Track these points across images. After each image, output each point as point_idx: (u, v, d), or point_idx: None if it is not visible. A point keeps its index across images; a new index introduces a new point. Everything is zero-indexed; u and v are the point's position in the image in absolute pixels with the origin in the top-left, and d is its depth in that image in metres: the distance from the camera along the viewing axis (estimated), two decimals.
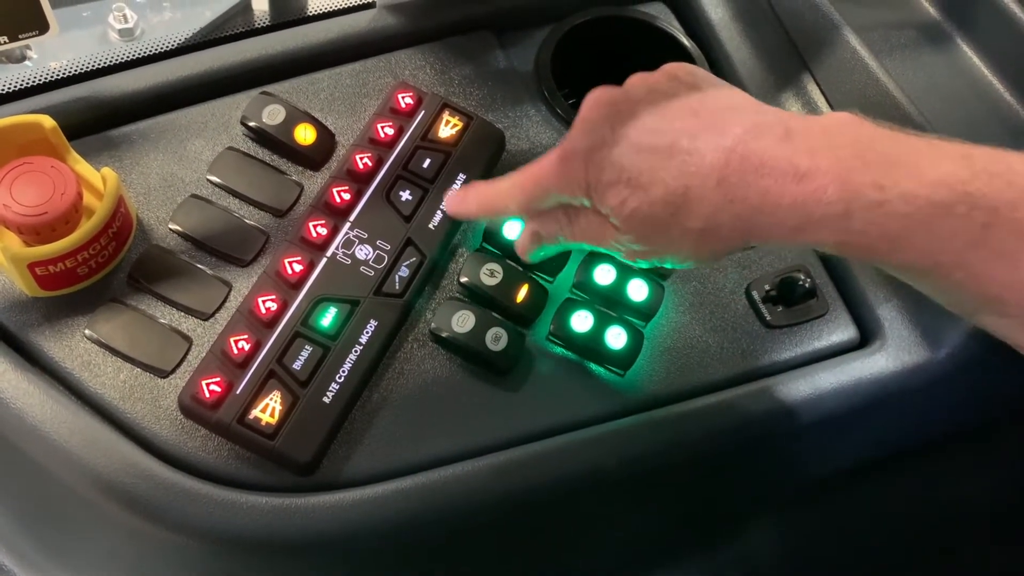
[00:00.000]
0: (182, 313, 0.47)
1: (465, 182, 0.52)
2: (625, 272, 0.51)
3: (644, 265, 0.43)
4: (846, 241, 0.34)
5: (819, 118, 0.36)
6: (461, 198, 0.48)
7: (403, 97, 0.53)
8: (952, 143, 0.34)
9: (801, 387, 0.50)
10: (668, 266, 0.43)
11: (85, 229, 0.44)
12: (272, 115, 0.52)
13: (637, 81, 0.41)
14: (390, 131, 0.52)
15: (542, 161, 0.42)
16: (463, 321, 0.48)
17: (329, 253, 0.48)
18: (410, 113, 0.53)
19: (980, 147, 0.33)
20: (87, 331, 0.46)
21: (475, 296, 0.49)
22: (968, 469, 0.68)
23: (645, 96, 0.39)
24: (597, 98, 0.40)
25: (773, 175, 0.34)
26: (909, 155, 0.33)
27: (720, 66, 0.62)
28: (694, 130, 0.36)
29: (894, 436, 0.59)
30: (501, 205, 0.45)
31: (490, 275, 0.49)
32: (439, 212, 0.51)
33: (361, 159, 0.51)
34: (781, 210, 0.34)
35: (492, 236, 0.51)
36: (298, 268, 0.47)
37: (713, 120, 0.36)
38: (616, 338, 0.49)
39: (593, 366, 0.49)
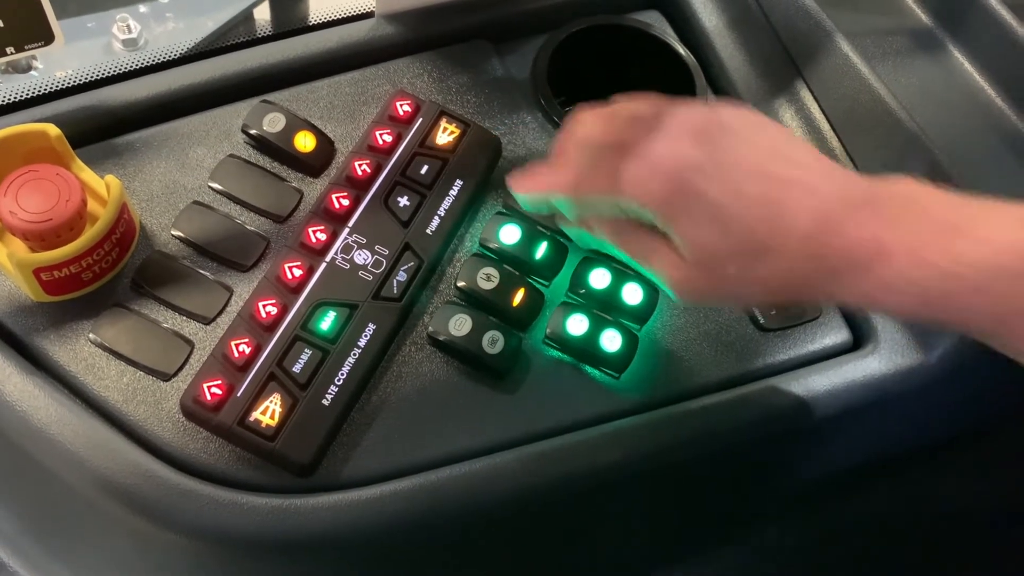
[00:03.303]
0: (184, 317, 0.48)
1: (462, 188, 0.52)
2: (620, 276, 0.52)
3: (683, 301, 0.41)
4: (916, 308, 0.35)
5: (890, 186, 0.37)
6: (520, 179, 0.47)
7: (401, 105, 0.54)
8: (1013, 207, 0.35)
9: (794, 390, 0.50)
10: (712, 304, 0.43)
11: (89, 235, 0.45)
12: (272, 123, 0.53)
13: (722, 109, 0.40)
14: (388, 138, 0.53)
15: (626, 163, 0.40)
16: (460, 324, 0.48)
17: (328, 258, 0.49)
18: (408, 120, 0.54)
19: None
20: (91, 335, 0.47)
21: (472, 300, 0.50)
22: (961, 473, 0.68)
23: (735, 122, 0.39)
24: (686, 114, 0.39)
25: (855, 241, 0.36)
26: (975, 222, 0.35)
27: (714, 73, 0.63)
28: (785, 180, 0.37)
29: (887, 439, 0.59)
30: (559, 193, 0.44)
31: (487, 279, 0.50)
32: (436, 217, 0.51)
33: (360, 166, 0.52)
34: (857, 274, 0.36)
35: (489, 241, 0.52)
36: (298, 273, 0.48)
37: (801, 173, 0.37)
38: (611, 341, 0.49)
39: (588, 369, 0.50)
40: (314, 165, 0.53)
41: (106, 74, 0.57)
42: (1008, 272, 0.34)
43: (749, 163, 0.38)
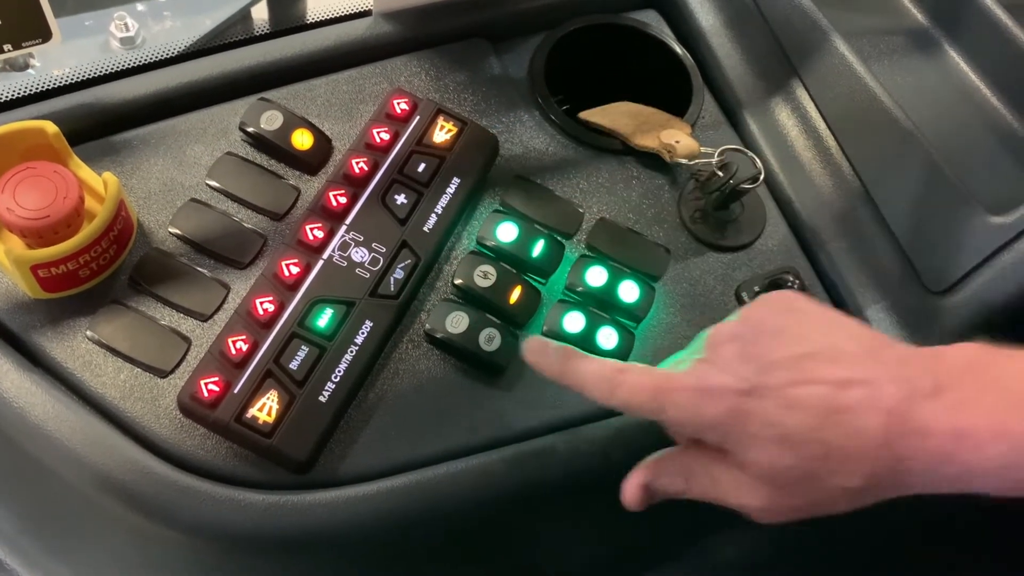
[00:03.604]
0: (181, 314, 0.48)
1: (459, 186, 0.53)
2: (617, 274, 0.52)
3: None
4: (1010, 486, 0.34)
5: (950, 359, 0.35)
6: (546, 357, 0.42)
7: (398, 103, 0.54)
8: None
9: None
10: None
11: (87, 232, 0.45)
12: (270, 121, 0.53)
13: (748, 310, 0.39)
14: (386, 136, 0.53)
15: (670, 379, 0.37)
16: (457, 322, 0.49)
17: (325, 255, 0.49)
18: (405, 118, 0.54)
19: None
20: (88, 332, 0.47)
21: (469, 297, 0.50)
22: None
23: (765, 318, 0.38)
24: (720, 332, 0.38)
25: (935, 436, 0.34)
26: None
27: (711, 72, 0.63)
28: (838, 380, 0.35)
29: None
30: (598, 391, 0.39)
31: (484, 277, 0.50)
32: (433, 215, 0.52)
33: (357, 163, 0.52)
34: (945, 467, 0.34)
35: (486, 239, 0.52)
36: (295, 270, 0.48)
37: (850, 366, 0.35)
38: (607, 339, 0.50)
39: None
40: (311, 163, 0.53)
41: (104, 72, 0.57)
42: None
43: (795, 368, 0.36)
